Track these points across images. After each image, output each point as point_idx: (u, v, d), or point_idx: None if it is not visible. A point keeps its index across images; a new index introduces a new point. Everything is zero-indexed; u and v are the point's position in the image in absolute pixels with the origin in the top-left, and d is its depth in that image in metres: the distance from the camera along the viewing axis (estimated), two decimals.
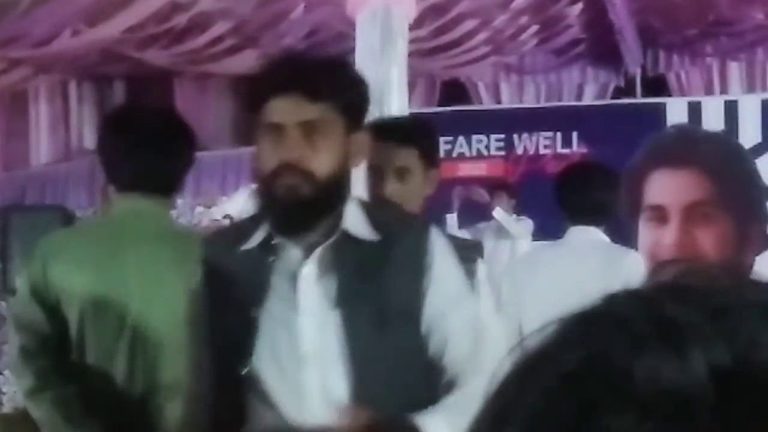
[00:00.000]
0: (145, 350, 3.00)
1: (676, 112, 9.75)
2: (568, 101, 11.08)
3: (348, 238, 2.53)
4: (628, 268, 3.74)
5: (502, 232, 8.65)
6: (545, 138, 10.06)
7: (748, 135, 9.14)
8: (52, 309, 2.97)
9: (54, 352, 2.97)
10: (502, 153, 10.09)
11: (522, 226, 8.57)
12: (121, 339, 2.98)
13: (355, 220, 2.55)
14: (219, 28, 9.26)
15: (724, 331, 0.53)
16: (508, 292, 4.18)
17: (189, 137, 3.17)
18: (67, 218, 8.10)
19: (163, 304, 2.98)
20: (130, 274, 2.99)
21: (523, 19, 9.91)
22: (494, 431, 0.55)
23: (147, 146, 3.03)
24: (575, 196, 4.19)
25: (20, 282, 3.02)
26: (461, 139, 10.05)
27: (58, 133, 11.02)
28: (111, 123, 3.19)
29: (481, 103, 11.12)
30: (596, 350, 0.54)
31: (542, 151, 10.05)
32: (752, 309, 0.55)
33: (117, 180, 3.09)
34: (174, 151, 3.11)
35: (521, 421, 0.54)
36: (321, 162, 2.47)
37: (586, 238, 4.15)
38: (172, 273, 2.97)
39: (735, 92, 10.76)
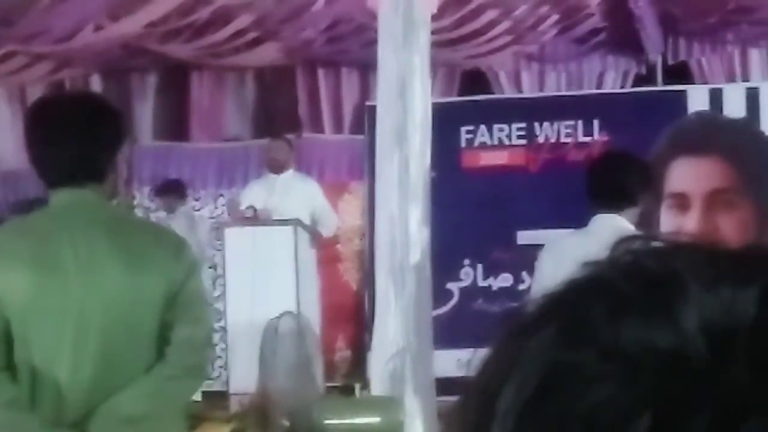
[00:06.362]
0: (89, 342, 2.90)
1: (697, 99, 9.72)
2: (589, 90, 11.04)
3: None
4: None
5: None
6: (566, 126, 10.04)
7: None
8: None
9: (2, 354, 2.87)
10: (524, 142, 10.09)
11: None
12: (65, 333, 2.88)
13: None
14: (241, 22, 9.31)
15: (711, 286, 0.51)
16: (534, 281, 4.20)
17: (112, 120, 3.05)
18: None
19: (103, 294, 2.90)
20: (67, 267, 2.90)
21: (544, 9, 9.91)
22: (481, 415, 0.52)
23: (67, 136, 2.93)
24: (606, 183, 4.21)
25: None
26: (483, 128, 10.04)
27: None
28: (30, 118, 3.08)
29: (502, 92, 11.11)
30: (577, 318, 0.51)
31: (563, 139, 10.03)
32: (735, 263, 0.53)
33: (45, 175, 2.98)
34: (96, 136, 2.98)
35: (508, 400, 0.51)
36: None
37: (612, 225, 4.16)
38: (112, 261, 2.91)
39: (756, 79, 10.70)
